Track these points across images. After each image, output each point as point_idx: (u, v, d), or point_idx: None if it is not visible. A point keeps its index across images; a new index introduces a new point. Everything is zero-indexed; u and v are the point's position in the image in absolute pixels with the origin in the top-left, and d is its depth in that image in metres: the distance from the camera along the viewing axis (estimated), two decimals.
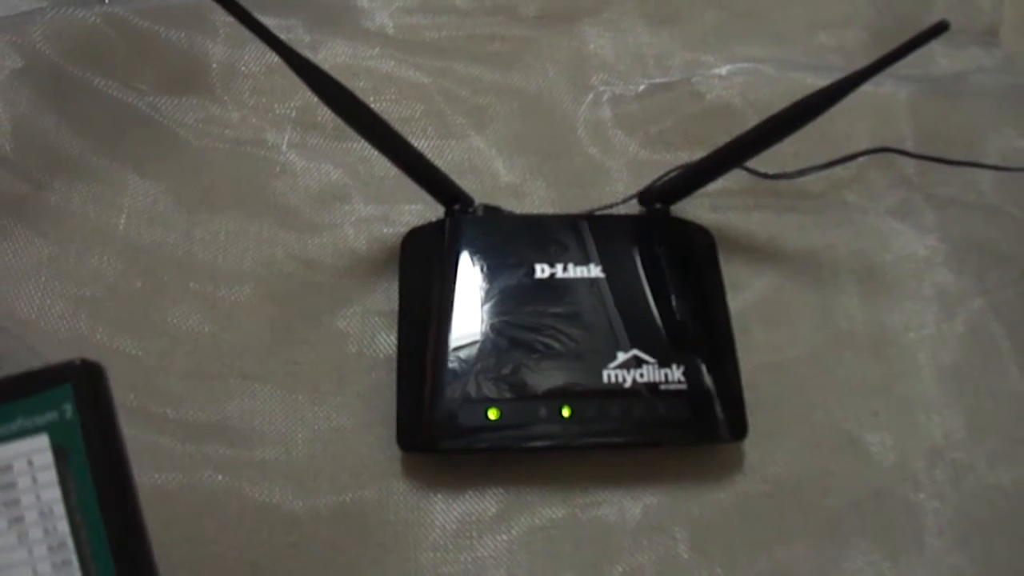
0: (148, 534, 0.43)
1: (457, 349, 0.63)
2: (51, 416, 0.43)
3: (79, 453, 0.42)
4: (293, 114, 0.78)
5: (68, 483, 0.42)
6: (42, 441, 0.43)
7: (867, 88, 0.62)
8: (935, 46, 0.58)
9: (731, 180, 0.73)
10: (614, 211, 0.74)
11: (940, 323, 0.72)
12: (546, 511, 0.63)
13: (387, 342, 0.68)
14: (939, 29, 0.56)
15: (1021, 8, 0.91)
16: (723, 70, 0.83)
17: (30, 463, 0.42)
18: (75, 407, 0.43)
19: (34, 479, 0.42)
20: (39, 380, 0.43)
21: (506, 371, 0.62)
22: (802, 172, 0.76)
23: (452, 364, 0.63)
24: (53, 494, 0.42)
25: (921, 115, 0.81)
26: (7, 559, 0.41)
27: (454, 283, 0.66)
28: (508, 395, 0.62)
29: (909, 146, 0.79)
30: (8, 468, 0.43)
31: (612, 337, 0.64)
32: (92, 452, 0.42)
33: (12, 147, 0.72)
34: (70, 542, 0.41)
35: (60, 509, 0.42)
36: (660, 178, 0.74)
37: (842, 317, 0.72)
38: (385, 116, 0.63)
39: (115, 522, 0.42)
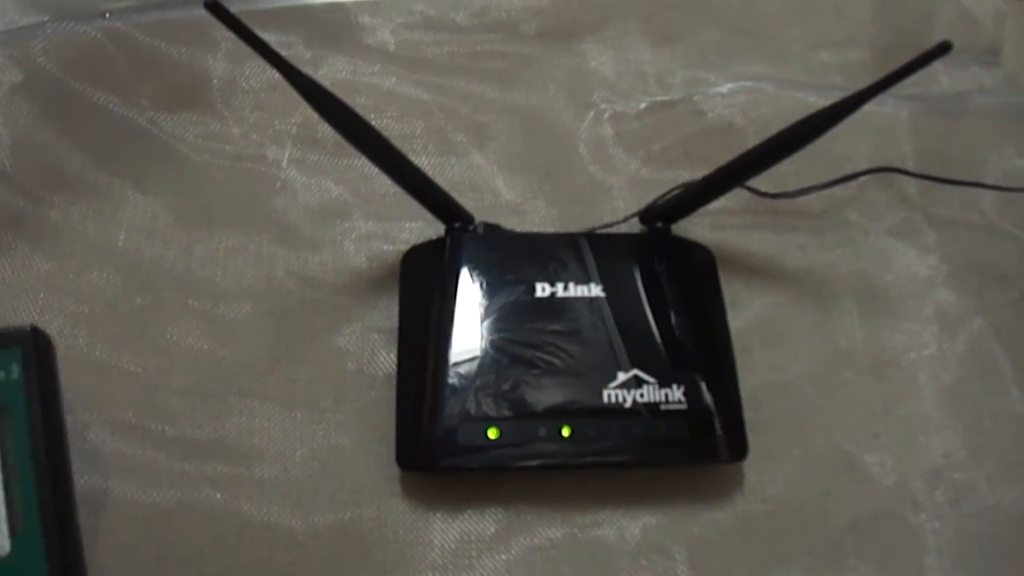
0: (76, 508, 0.45)
1: (456, 366, 0.63)
2: None
3: (19, 414, 0.45)
4: (294, 130, 0.78)
5: (4, 441, 0.44)
6: None
7: (868, 108, 0.62)
8: (937, 66, 0.58)
9: (732, 199, 0.74)
10: (615, 229, 0.74)
11: (941, 343, 0.72)
12: (545, 531, 0.63)
13: (387, 360, 0.68)
14: (941, 50, 0.56)
15: (1023, 27, 0.91)
16: (724, 88, 0.83)
17: None
18: (22, 368, 0.45)
19: None
20: None
21: (506, 388, 0.62)
22: (803, 191, 0.76)
23: (451, 382, 0.63)
24: None
25: (922, 135, 0.82)
26: None
27: (454, 301, 0.66)
28: (507, 413, 0.62)
29: (910, 166, 0.79)
30: None
31: (612, 356, 0.64)
32: (32, 415, 0.45)
33: (11, 162, 0.72)
34: (1, 494, 0.44)
35: None
36: (661, 197, 0.74)
37: (842, 337, 0.72)
38: (386, 133, 0.64)
39: (46, 485, 0.44)
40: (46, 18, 0.79)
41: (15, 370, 0.45)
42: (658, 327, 0.66)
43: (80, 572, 0.45)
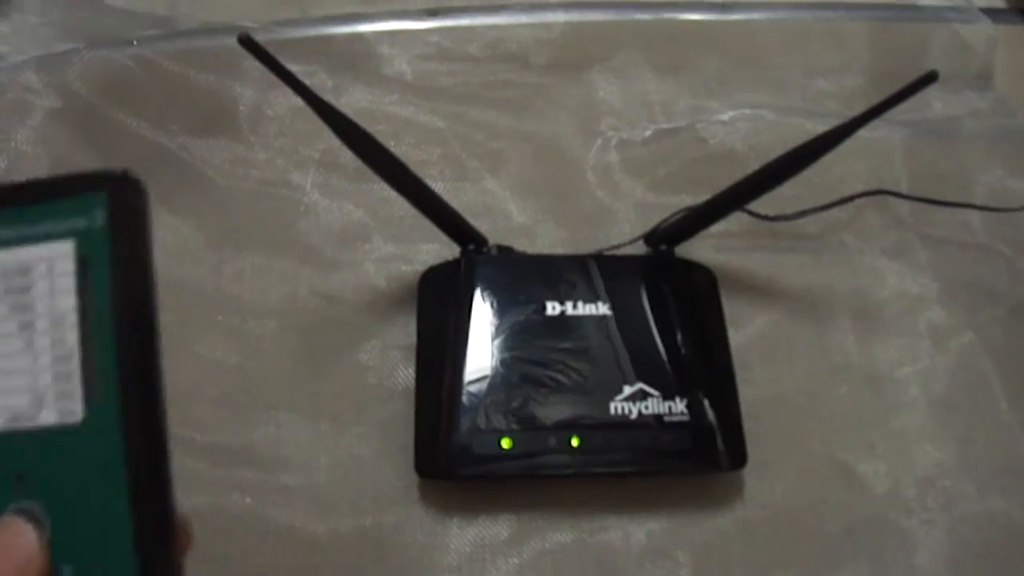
0: (161, 369, 0.39)
1: (472, 382, 0.65)
2: (80, 223, 0.39)
3: (103, 266, 0.39)
4: (317, 156, 0.80)
5: (87, 296, 0.38)
6: (67, 247, 0.39)
7: (863, 133, 0.64)
8: (931, 91, 0.60)
9: (733, 222, 0.75)
10: (621, 251, 0.76)
11: (933, 358, 0.74)
12: (555, 535, 0.65)
13: (405, 375, 0.70)
14: (929, 79, 0.58)
15: (1014, 52, 0.94)
16: (726, 116, 0.85)
17: (50, 269, 0.39)
18: (108, 217, 0.39)
19: (52, 286, 0.39)
20: (73, 183, 0.40)
21: (517, 403, 0.64)
22: (801, 214, 0.78)
23: (467, 396, 0.65)
24: (68, 303, 0.39)
25: (915, 158, 0.84)
26: (11, 364, 0.39)
27: (468, 319, 0.68)
28: (519, 426, 0.64)
29: (904, 188, 0.81)
30: (27, 271, 0.39)
31: (619, 371, 0.66)
32: (117, 268, 0.39)
33: None
34: (76, 355, 0.38)
35: (73, 320, 0.39)
36: (665, 220, 0.76)
37: (838, 352, 0.74)
38: (404, 159, 0.66)
39: (127, 345, 0.38)
40: (80, 45, 0.81)
41: (99, 217, 0.39)
42: (662, 343, 0.68)
43: (161, 452, 0.39)
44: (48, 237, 0.39)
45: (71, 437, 0.38)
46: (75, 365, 0.38)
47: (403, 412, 0.67)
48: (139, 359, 0.39)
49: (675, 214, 0.77)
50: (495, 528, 0.65)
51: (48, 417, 0.38)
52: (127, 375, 0.38)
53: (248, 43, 0.57)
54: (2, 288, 0.39)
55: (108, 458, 0.37)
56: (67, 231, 0.39)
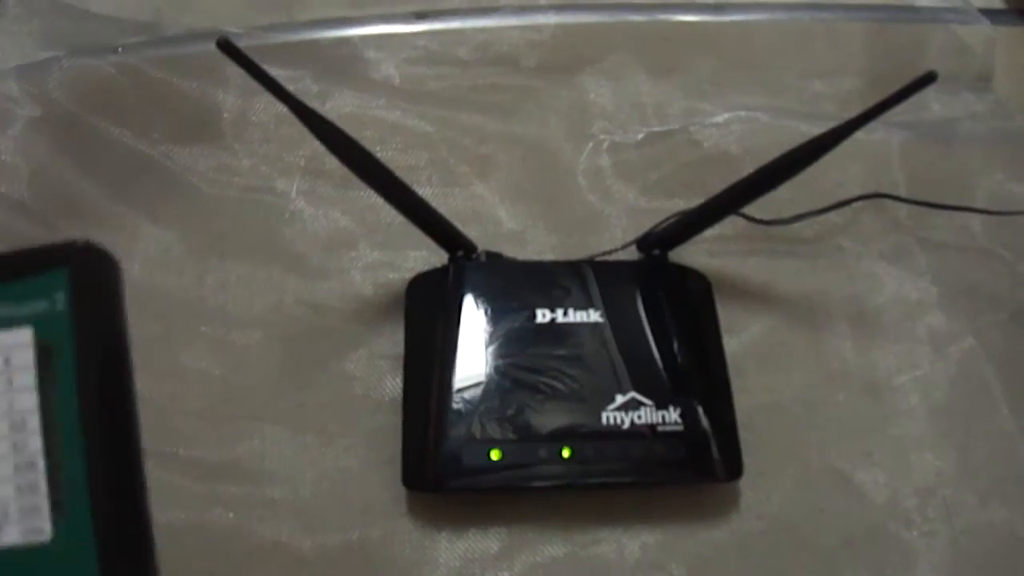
0: (141, 465, 0.36)
1: (460, 391, 0.64)
2: (40, 306, 0.35)
3: (67, 355, 0.35)
4: (302, 162, 0.80)
5: (49, 391, 0.35)
6: (24, 335, 0.35)
7: (860, 135, 0.63)
8: (929, 93, 0.59)
9: (728, 226, 0.75)
10: (613, 257, 0.75)
11: (932, 364, 0.73)
12: (547, 549, 0.64)
13: (393, 385, 0.69)
14: (927, 80, 0.57)
15: (1013, 53, 0.93)
16: (720, 118, 0.84)
17: (6, 361, 0.35)
18: (69, 297, 0.35)
19: (9, 381, 0.35)
20: (30, 261, 0.36)
21: (507, 412, 0.64)
22: (797, 218, 0.77)
23: (456, 406, 0.64)
24: (29, 402, 0.35)
25: (913, 161, 0.83)
26: None
27: (457, 328, 0.67)
28: (510, 436, 0.63)
29: (902, 191, 0.80)
30: None
31: (611, 380, 0.65)
32: (83, 355, 0.35)
33: (29, 194, 0.74)
34: (41, 463, 0.35)
35: (34, 422, 0.35)
36: (658, 225, 0.75)
37: (836, 359, 0.73)
38: (391, 165, 0.65)
39: (99, 448, 0.34)
40: (61, 53, 0.81)
41: (60, 300, 0.35)
42: (656, 351, 0.67)
43: (146, 562, 0.36)
44: (5, 323, 0.36)
45: (39, 557, 0.34)
46: (39, 475, 0.35)
47: (391, 423, 0.66)
48: (113, 463, 0.35)
49: (668, 218, 0.76)
50: (485, 542, 0.64)
51: (11, 535, 0.35)
52: (100, 485, 0.34)
53: (227, 47, 0.56)
54: None
55: None
56: (25, 316, 0.36)
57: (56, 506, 0.34)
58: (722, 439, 0.65)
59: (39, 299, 0.35)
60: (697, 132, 0.84)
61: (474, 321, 0.67)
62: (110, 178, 0.77)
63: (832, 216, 0.78)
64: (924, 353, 0.73)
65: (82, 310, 0.35)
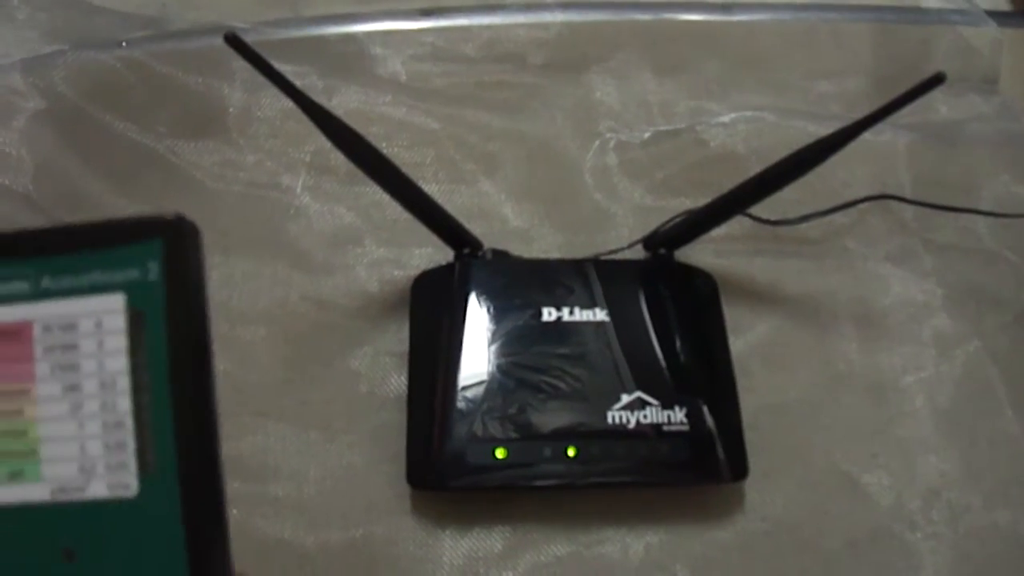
0: (218, 428, 0.36)
1: (465, 389, 0.64)
2: (132, 274, 0.36)
3: (158, 322, 0.35)
4: (307, 158, 0.79)
5: (139, 355, 0.35)
6: (117, 301, 0.36)
7: (866, 137, 0.63)
8: (936, 94, 0.59)
9: (734, 226, 0.75)
10: (619, 256, 0.75)
11: (937, 366, 0.73)
12: (551, 548, 0.64)
13: (397, 382, 0.69)
14: (936, 81, 0.57)
15: (1019, 55, 0.92)
16: (727, 118, 0.84)
17: (98, 324, 0.36)
18: (162, 267, 0.36)
19: (100, 344, 0.36)
20: (123, 230, 0.36)
21: (512, 411, 0.63)
22: (803, 219, 0.77)
23: (460, 404, 0.64)
24: (119, 364, 0.36)
25: (919, 162, 0.83)
26: (55, 430, 0.36)
27: (463, 325, 0.67)
28: (514, 435, 0.63)
29: (907, 193, 0.80)
30: (72, 327, 0.36)
31: (617, 379, 0.65)
32: (174, 323, 0.35)
33: (34, 187, 0.73)
34: (129, 422, 0.35)
35: (124, 383, 0.36)
36: (664, 224, 0.75)
37: (841, 360, 0.73)
38: (397, 161, 0.65)
39: (187, 409, 0.35)
40: (66, 46, 0.80)
41: (153, 269, 0.36)
42: (661, 351, 0.67)
43: (222, 524, 0.37)
44: (96, 289, 0.36)
45: (124, 511, 0.35)
46: (128, 434, 0.35)
47: (395, 421, 0.66)
48: (199, 425, 0.36)
49: (675, 218, 0.76)
50: (489, 540, 0.64)
51: (98, 490, 0.36)
52: (186, 445, 0.35)
53: (234, 42, 0.56)
54: (44, 345, 0.36)
55: (165, 534, 0.35)
56: (117, 283, 0.36)
57: (142, 464, 0.35)
58: (727, 440, 0.65)
59: (132, 267, 0.36)
60: (703, 131, 0.84)
61: (479, 319, 0.67)
62: (114, 172, 0.77)
63: (838, 217, 0.78)
64: (929, 355, 0.73)
65: (174, 280, 0.36)
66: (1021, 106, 0.89)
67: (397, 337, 0.70)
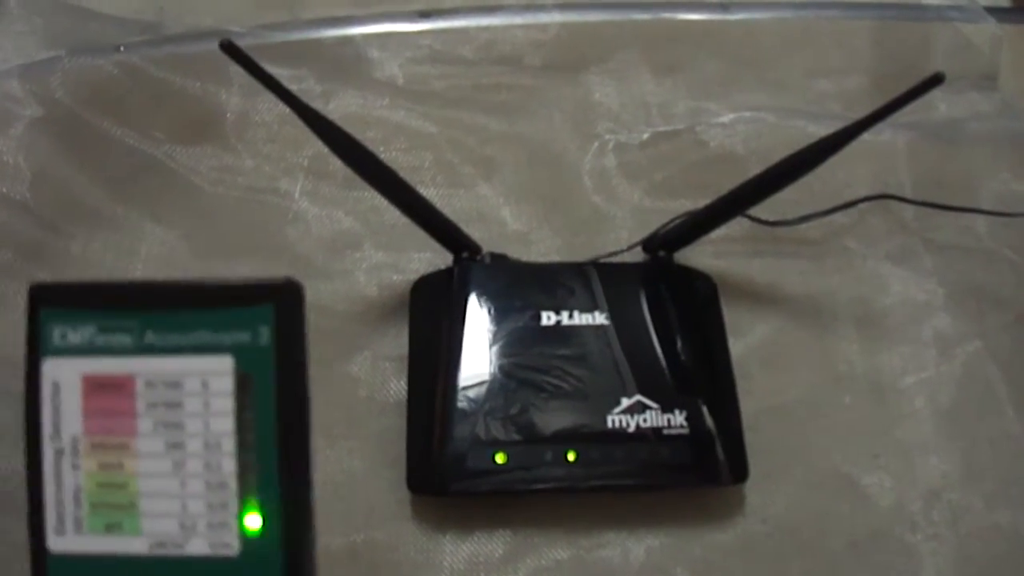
0: (314, 508, 0.37)
1: (465, 394, 0.64)
2: (242, 337, 0.37)
3: (266, 385, 0.36)
4: (305, 163, 0.79)
5: (245, 416, 0.36)
6: (225, 363, 0.36)
7: (866, 136, 0.63)
8: (935, 92, 0.58)
9: (733, 227, 0.74)
10: (618, 258, 0.75)
11: (938, 366, 0.72)
12: (552, 552, 0.63)
13: (397, 387, 0.69)
14: (934, 81, 0.57)
15: (1019, 52, 0.92)
16: (726, 118, 0.84)
17: (205, 385, 0.37)
18: (273, 332, 0.36)
19: (206, 404, 0.37)
20: (234, 293, 0.37)
21: (513, 415, 0.63)
22: (803, 219, 0.77)
23: (460, 407, 0.63)
24: (226, 425, 0.36)
25: (920, 162, 0.82)
26: (156, 486, 0.36)
27: (462, 329, 0.67)
28: (514, 439, 0.62)
29: (908, 192, 0.80)
30: (176, 384, 0.37)
31: (616, 382, 0.65)
32: (281, 386, 0.36)
33: (32, 194, 0.73)
34: (233, 484, 0.36)
35: (230, 445, 0.36)
36: (664, 226, 0.75)
37: (842, 361, 0.72)
38: (395, 165, 0.65)
39: (292, 471, 0.36)
40: (63, 52, 0.80)
41: (264, 334, 0.36)
42: (661, 353, 0.67)
43: None
44: (202, 349, 0.37)
45: (224, 570, 0.36)
46: (231, 495, 0.36)
47: (395, 426, 0.66)
48: (303, 487, 0.37)
49: (674, 219, 0.76)
50: (490, 545, 0.64)
51: (199, 547, 0.36)
52: (291, 508, 0.36)
53: (231, 49, 0.56)
54: (147, 400, 0.37)
55: None
56: (226, 345, 0.37)
57: (245, 525, 0.36)
58: (727, 442, 0.64)
59: (242, 330, 0.37)
60: (703, 132, 0.83)
61: (479, 323, 0.67)
62: (112, 178, 0.77)
63: (838, 217, 0.78)
64: (930, 355, 0.73)
65: (283, 344, 0.37)
66: (1022, 104, 0.88)
67: (396, 342, 0.70)
